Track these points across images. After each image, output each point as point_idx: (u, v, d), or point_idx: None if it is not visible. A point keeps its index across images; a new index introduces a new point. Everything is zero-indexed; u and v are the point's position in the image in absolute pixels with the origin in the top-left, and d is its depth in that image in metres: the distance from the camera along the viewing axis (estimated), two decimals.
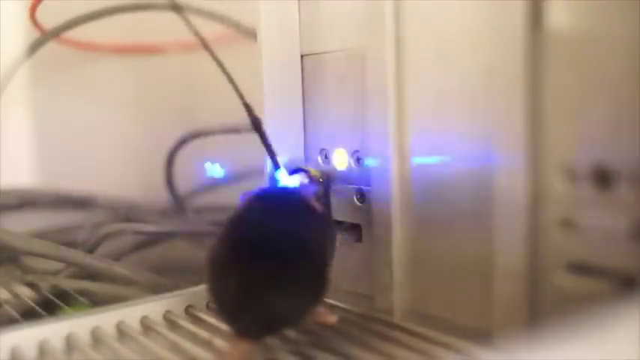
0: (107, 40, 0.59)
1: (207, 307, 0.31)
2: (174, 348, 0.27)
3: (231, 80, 0.29)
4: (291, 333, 0.28)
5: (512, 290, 0.25)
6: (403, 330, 0.28)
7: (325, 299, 0.32)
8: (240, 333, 0.24)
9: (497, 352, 0.22)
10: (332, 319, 0.28)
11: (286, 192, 0.30)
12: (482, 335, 0.26)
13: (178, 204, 0.49)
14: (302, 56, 0.34)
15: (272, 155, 0.31)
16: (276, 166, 0.31)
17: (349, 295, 0.32)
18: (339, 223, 0.33)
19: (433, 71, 0.28)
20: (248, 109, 0.30)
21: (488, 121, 0.26)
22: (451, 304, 0.28)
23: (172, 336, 0.28)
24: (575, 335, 0.16)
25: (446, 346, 0.26)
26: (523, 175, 0.24)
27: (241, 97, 0.29)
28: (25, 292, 0.36)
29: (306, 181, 0.31)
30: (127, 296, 0.34)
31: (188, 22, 0.29)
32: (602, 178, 0.22)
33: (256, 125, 0.30)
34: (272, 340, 0.27)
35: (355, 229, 0.32)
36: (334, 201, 0.32)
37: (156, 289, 0.34)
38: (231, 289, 0.24)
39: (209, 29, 0.54)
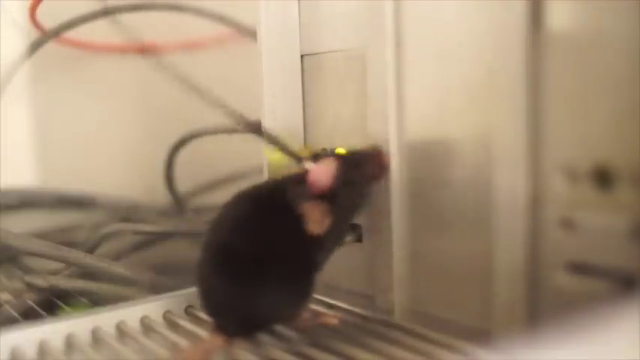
0: (107, 40, 0.59)
1: None
2: (174, 348, 0.27)
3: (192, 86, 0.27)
4: (291, 333, 0.28)
5: (512, 290, 0.25)
6: (403, 330, 0.28)
7: (326, 299, 0.32)
8: (217, 330, 0.26)
9: (497, 352, 0.22)
10: (333, 320, 0.28)
11: (273, 192, 0.27)
12: (482, 335, 0.26)
13: (178, 204, 0.49)
14: (302, 56, 0.34)
15: (284, 147, 0.28)
16: (296, 157, 0.28)
17: (349, 295, 0.32)
18: None
19: (433, 71, 0.28)
20: (235, 114, 0.27)
21: (488, 121, 0.26)
22: (451, 304, 0.28)
23: (172, 336, 0.28)
24: (575, 335, 0.16)
25: (446, 346, 0.26)
26: (523, 175, 0.24)
27: (220, 103, 0.28)
28: (25, 292, 0.36)
29: (324, 173, 0.26)
30: (127, 296, 0.34)
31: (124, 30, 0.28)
32: (602, 178, 0.23)
33: (257, 128, 0.28)
34: (272, 340, 0.27)
35: (355, 229, 0.32)
36: None
37: (156, 289, 0.34)
38: (207, 292, 0.26)
39: (209, 29, 0.54)
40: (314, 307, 0.31)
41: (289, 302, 0.26)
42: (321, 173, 0.26)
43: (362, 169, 0.28)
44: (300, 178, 0.27)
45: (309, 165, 0.27)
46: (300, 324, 0.28)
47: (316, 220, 0.26)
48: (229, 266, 0.25)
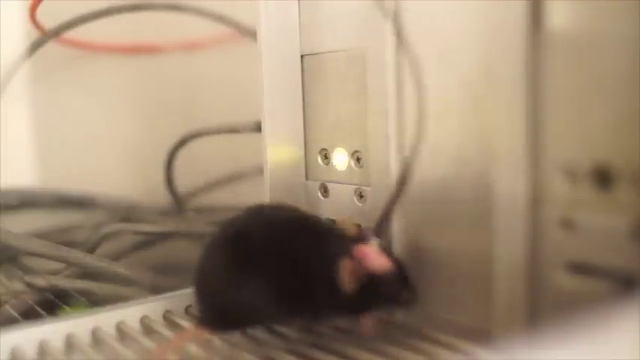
0: (107, 40, 0.59)
1: None
2: (174, 348, 0.27)
3: None
4: (290, 332, 0.28)
5: (512, 290, 0.25)
6: (403, 329, 0.28)
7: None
8: (200, 321, 0.26)
9: (497, 352, 0.22)
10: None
11: (318, 222, 0.28)
12: (482, 335, 0.26)
13: (178, 204, 0.49)
14: (302, 56, 0.34)
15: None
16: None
17: None
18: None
19: (433, 71, 0.28)
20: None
21: (488, 121, 0.26)
22: (451, 303, 0.28)
23: (172, 336, 0.28)
24: (575, 335, 0.16)
25: (446, 346, 0.26)
26: (523, 175, 0.24)
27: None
28: (25, 292, 0.36)
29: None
30: (127, 296, 0.34)
31: None
32: (602, 178, 0.23)
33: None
34: (272, 340, 0.27)
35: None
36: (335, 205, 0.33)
37: (156, 289, 0.34)
38: (199, 280, 0.26)
39: (209, 29, 0.54)
40: None
41: (279, 313, 0.26)
42: (374, 257, 0.26)
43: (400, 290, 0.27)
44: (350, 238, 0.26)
45: (374, 243, 0.26)
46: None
47: (347, 278, 0.25)
48: (236, 257, 0.25)
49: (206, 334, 0.26)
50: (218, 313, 0.26)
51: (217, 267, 0.26)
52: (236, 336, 0.27)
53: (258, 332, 0.28)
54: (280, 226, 0.26)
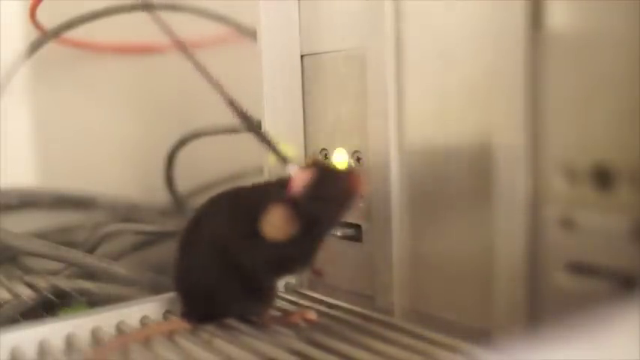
0: (107, 40, 0.59)
1: None
2: (174, 348, 0.27)
3: (211, 80, 0.29)
4: (290, 332, 0.28)
5: (512, 290, 0.25)
6: (403, 330, 0.28)
7: (326, 299, 0.32)
8: (182, 313, 0.29)
9: (497, 352, 0.22)
10: (297, 319, 0.29)
11: (253, 192, 0.28)
12: (482, 335, 0.26)
13: (178, 204, 0.49)
14: (302, 56, 0.34)
15: (275, 149, 0.29)
16: (283, 158, 0.28)
17: (349, 295, 0.32)
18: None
19: (433, 71, 0.28)
20: (238, 109, 0.29)
21: (488, 121, 0.26)
22: (451, 304, 0.28)
23: (172, 336, 0.28)
24: (575, 335, 0.16)
25: (446, 346, 0.26)
26: (523, 175, 0.24)
27: (229, 98, 0.29)
28: (25, 292, 0.36)
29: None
30: (127, 296, 0.34)
31: (163, 25, 0.29)
32: (602, 178, 0.23)
33: (250, 124, 0.29)
34: (271, 339, 0.27)
35: (355, 229, 0.32)
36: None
37: (156, 289, 0.34)
38: (175, 276, 0.29)
39: (209, 29, 0.54)
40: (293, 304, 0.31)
41: (246, 299, 0.28)
42: (298, 180, 0.26)
43: (333, 186, 0.27)
44: (286, 183, 0.27)
45: (293, 170, 0.27)
46: (266, 321, 0.29)
47: (274, 224, 0.26)
48: (193, 253, 0.28)
49: (186, 325, 0.28)
50: (196, 306, 0.28)
51: (185, 266, 0.28)
52: (235, 335, 0.28)
53: (258, 332, 0.28)
54: (227, 212, 0.28)
